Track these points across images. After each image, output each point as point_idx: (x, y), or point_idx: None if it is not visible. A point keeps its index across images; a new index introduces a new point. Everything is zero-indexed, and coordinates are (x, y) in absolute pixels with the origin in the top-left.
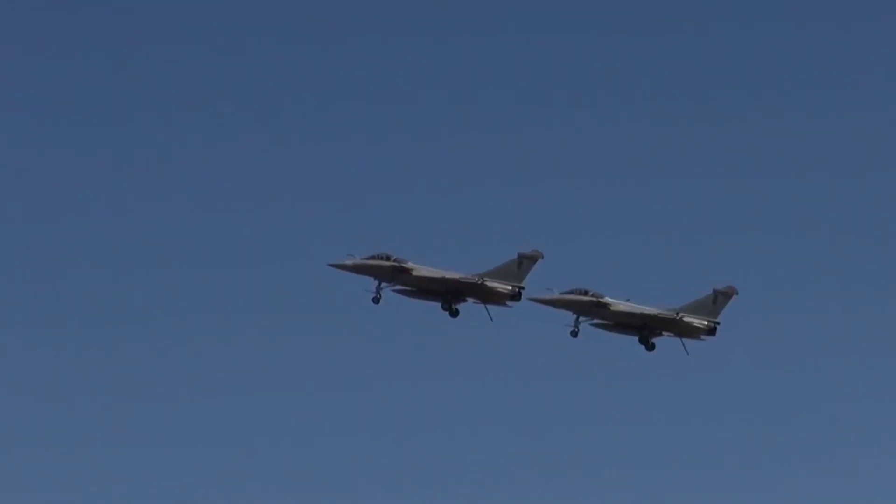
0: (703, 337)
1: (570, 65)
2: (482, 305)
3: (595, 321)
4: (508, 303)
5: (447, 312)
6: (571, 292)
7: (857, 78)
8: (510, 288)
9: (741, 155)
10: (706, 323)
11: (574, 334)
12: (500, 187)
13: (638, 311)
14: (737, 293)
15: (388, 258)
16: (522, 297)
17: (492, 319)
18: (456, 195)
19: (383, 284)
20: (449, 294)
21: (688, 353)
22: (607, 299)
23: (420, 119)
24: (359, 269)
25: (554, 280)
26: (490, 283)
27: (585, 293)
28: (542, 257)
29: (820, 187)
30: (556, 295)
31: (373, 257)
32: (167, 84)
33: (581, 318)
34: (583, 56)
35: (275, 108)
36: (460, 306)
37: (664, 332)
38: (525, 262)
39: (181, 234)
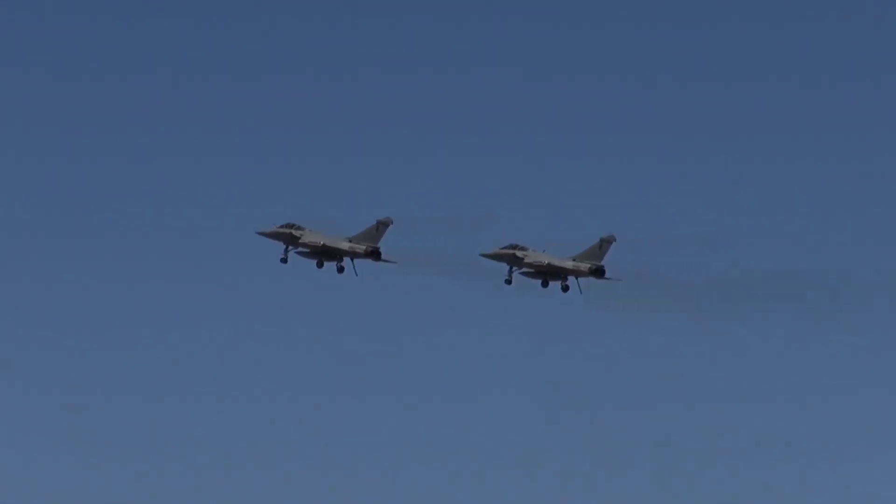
0: (607, 277)
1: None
2: (351, 263)
3: (523, 270)
4: (386, 259)
5: (328, 270)
6: (506, 247)
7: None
8: (364, 248)
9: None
10: (589, 266)
11: (507, 282)
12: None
13: (540, 260)
14: (615, 240)
15: (290, 226)
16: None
17: (357, 275)
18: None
19: (290, 248)
20: (323, 255)
21: (581, 293)
22: (527, 252)
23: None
24: (273, 236)
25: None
26: (332, 245)
27: (514, 247)
28: (392, 223)
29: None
30: (494, 250)
31: (282, 226)
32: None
33: (514, 269)
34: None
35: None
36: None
37: (568, 276)
38: (381, 227)
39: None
